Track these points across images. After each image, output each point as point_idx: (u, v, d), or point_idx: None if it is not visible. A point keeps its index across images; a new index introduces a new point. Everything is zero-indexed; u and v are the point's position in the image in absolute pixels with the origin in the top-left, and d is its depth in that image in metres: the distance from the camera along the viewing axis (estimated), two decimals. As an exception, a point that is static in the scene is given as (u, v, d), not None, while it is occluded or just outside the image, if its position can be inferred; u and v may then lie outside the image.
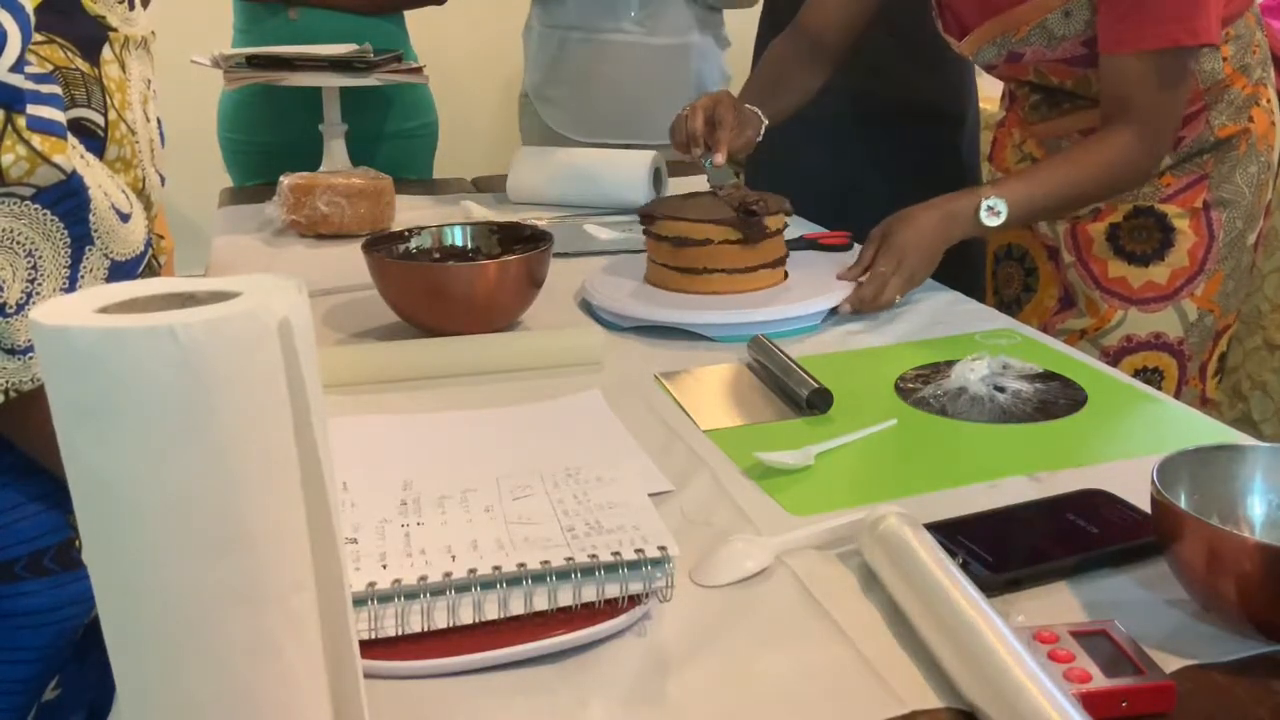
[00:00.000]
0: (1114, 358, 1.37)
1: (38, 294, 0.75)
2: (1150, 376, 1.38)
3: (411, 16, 2.14)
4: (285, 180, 1.58)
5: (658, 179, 1.74)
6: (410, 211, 1.69)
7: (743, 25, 2.31)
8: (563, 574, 0.65)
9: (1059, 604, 0.69)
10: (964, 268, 1.65)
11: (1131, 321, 1.37)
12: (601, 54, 1.95)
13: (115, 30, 0.91)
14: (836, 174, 1.81)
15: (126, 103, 0.91)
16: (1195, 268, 1.35)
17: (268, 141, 2.03)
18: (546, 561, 0.65)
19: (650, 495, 0.77)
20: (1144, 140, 1.24)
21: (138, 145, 0.93)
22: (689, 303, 1.20)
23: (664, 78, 1.99)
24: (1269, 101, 1.38)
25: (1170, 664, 0.62)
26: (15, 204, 0.73)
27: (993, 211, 1.23)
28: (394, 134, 2.08)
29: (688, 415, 0.98)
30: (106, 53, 0.89)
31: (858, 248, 1.49)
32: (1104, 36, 1.24)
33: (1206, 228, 1.34)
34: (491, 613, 0.65)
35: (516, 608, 0.65)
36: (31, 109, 0.72)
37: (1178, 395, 1.38)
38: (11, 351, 0.75)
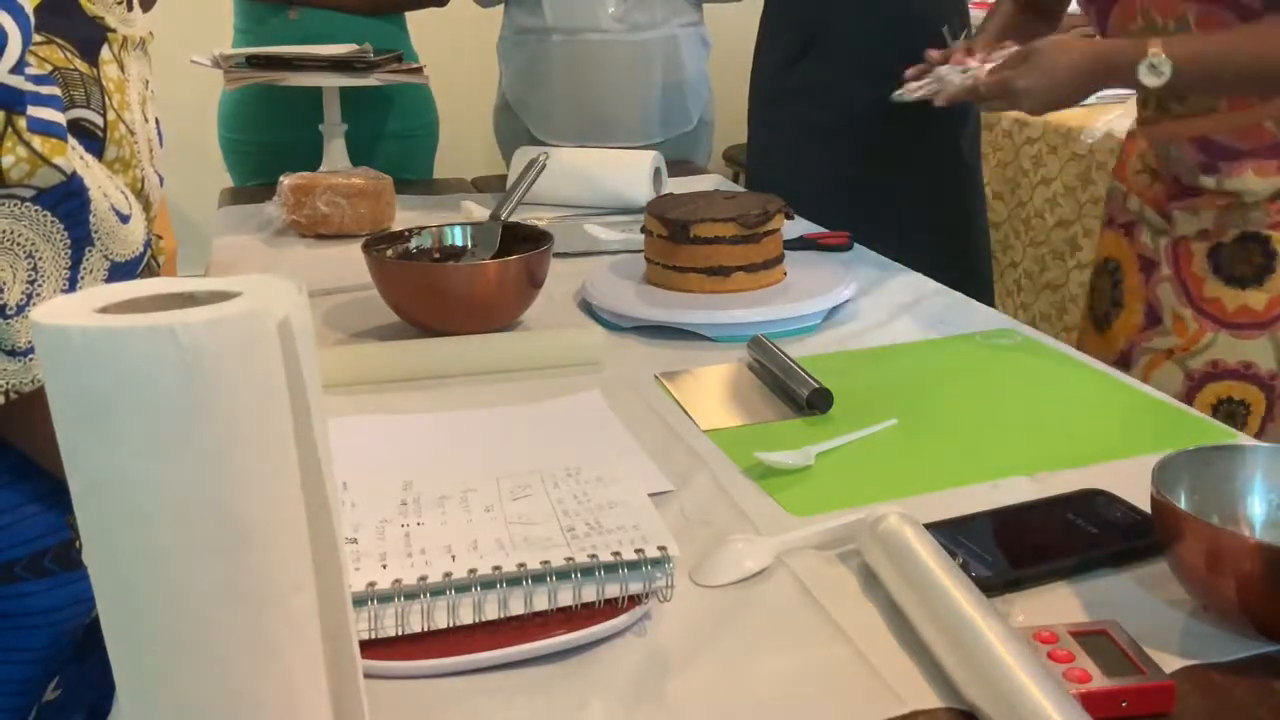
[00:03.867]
0: (1198, 382, 1.27)
1: (38, 295, 0.75)
2: (1235, 408, 1.27)
3: (412, 17, 2.14)
4: (285, 180, 1.58)
5: (658, 178, 1.74)
6: (410, 211, 1.69)
7: (726, 27, 2.32)
8: (563, 574, 0.65)
9: (1059, 604, 0.69)
10: (968, 280, 1.64)
11: (1221, 345, 1.26)
12: (581, 55, 1.95)
13: (114, 31, 0.91)
14: (837, 173, 1.81)
15: (125, 103, 0.91)
16: None
17: (268, 141, 2.03)
18: (546, 561, 0.65)
19: (650, 495, 0.77)
20: None
21: (136, 146, 0.93)
22: (689, 303, 1.20)
23: (646, 74, 1.99)
24: None
25: (1170, 664, 0.62)
26: (15, 205, 0.73)
27: (1155, 70, 1.10)
28: (394, 134, 2.07)
29: (688, 415, 0.98)
30: (105, 53, 0.89)
31: (858, 248, 1.49)
32: None
33: None
34: (491, 613, 0.65)
35: (516, 608, 0.65)
36: (32, 110, 0.72)
37: (1262, 431, 1.27)
38: (12, 353, 0.75)
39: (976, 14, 1.85)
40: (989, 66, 1.24)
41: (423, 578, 0.65)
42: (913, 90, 1.29)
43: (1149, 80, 1.11)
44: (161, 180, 1.00)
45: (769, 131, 1.92)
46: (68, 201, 0.76)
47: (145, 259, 0.88)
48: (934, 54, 1.39)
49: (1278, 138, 1.19)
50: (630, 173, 1.69)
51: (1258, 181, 1.20)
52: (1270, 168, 1.20)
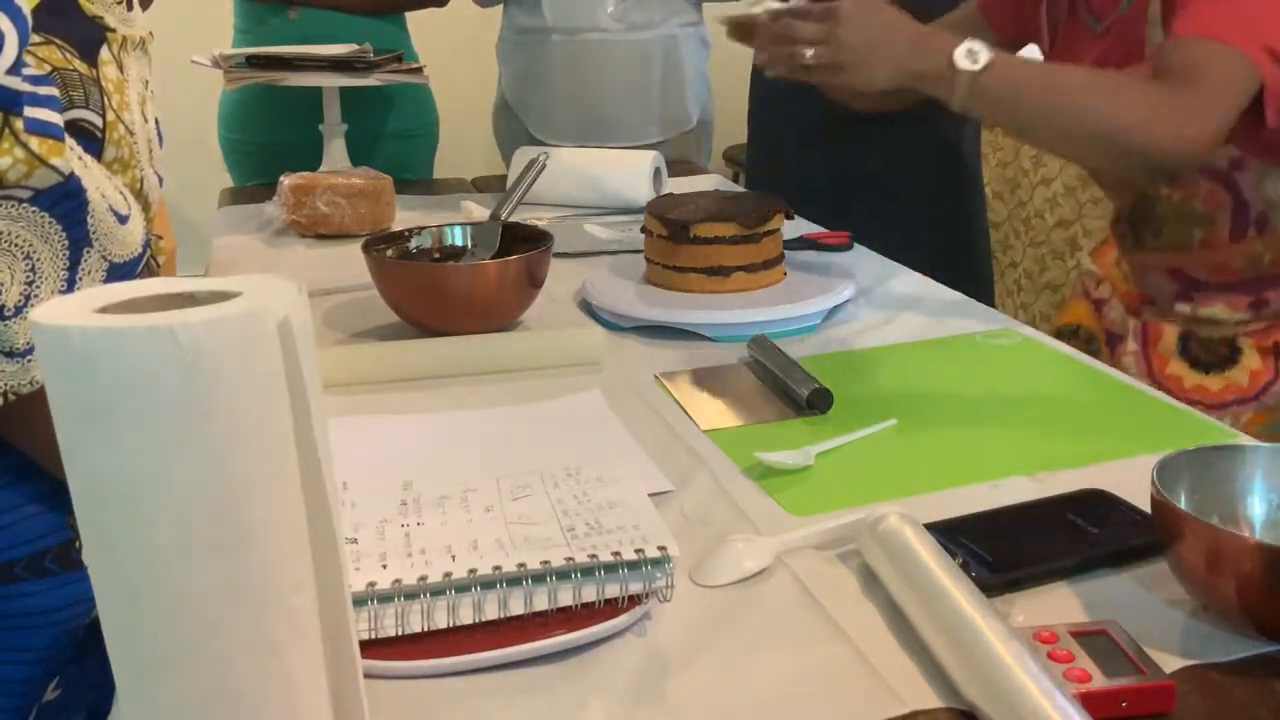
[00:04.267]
0: None
1: (36, 296, 0.75)
2: None
3: (412, 17, 2.14)
4: (285, 180, 1.58)
5: (658, 178, 1.74)
6: (410, 211, 1.69)
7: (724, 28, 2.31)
8: (563, 574, 0.65)
9: (1059, 604, 0.69)
10: (968, 280, 1.64)
11: None
12: (581, 55, 1.95)
13: (113, 31, 0.91)
14: (836, 172, 1.81)
15: (125, 103, 0.91)
16: (1252, 392, 1.24)
17: (268, 141, 2.03)
18: (546, 561, 0.65)
19: (650, 495, 0.77)
20: (1177, 103, 1.04)
21: (135, 146, 0.93)
22: (689, 302, 1.20)
23: (646, 74, 1.99)
24: None
25: (1170, 664, 0.62)
26: (13, 206, 0.73)
27: (972, 55, 1.06)
28: (394, 134, 2.07)
29: (688, 415, 0.98)
30: (104, 53, 0.89)
31: (858, 248, 1.49)
32: (1183, 20, 1.09)
33: (1274, 365, 1.23)
34: (491, 613, 0.65)
35: (516, 608, 0.65)
36: (29, 111, 0.72)
37: None
38: (10, 354, 0.75)
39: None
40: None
41: (423, 578, 0.65)
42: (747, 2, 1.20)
43: (963, 63, 1.06)
44: (161, 180, 1.00)
45: (769, 131, 1.92)
46: (65, 202, 0.76)
47: (144, 259, 0.88)
48: None
49: (1247, 274, 1.21)
50: (630, 173, 1.69)
51: (1228, 312, 1.23)
52: (1240, 303, 1.23)
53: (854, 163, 1.80)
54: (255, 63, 1.79)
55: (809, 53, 1.10)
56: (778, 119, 1.88)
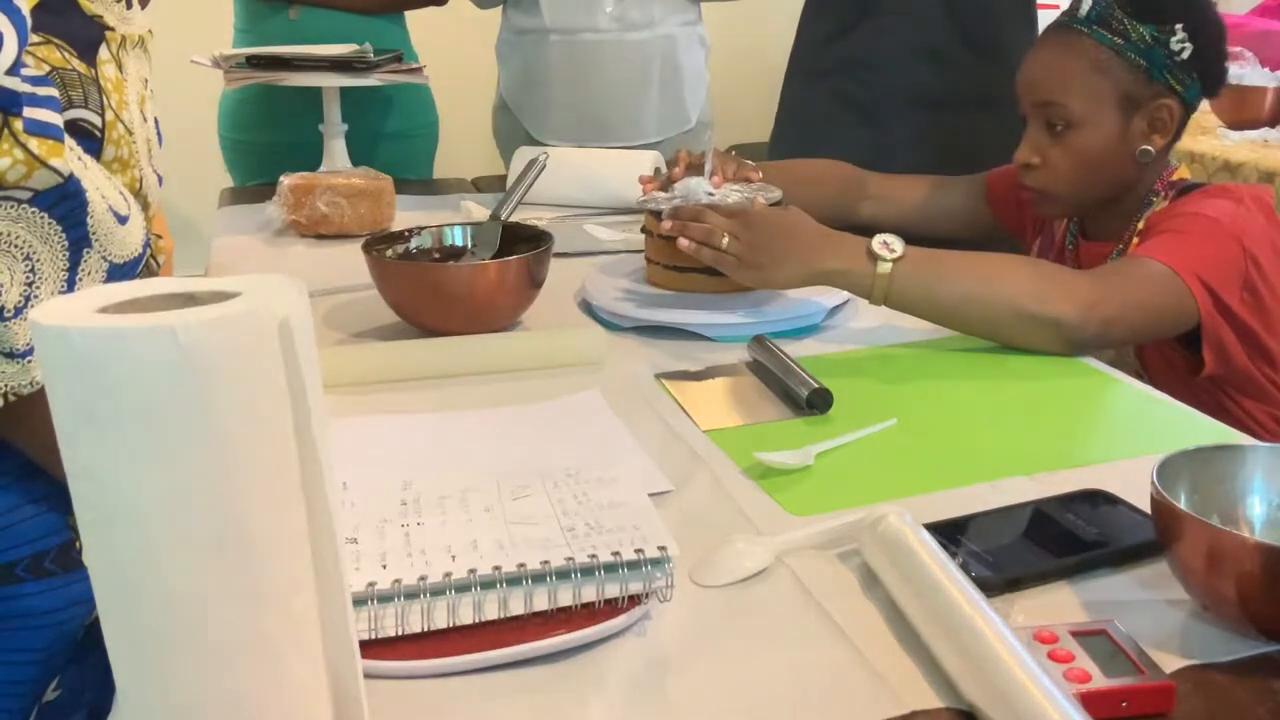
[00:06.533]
0: None
1: (36, 297, 0.75)
2: None
3: (412, 16, 2.14)
4: (285, 180, 1.58)
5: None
6: (410, 211, 1.69)
7: (725, 27, 2.31)
8: (563, 574, 0.65)
9: (1059, 604, 0.69)
10: None
11: None
12: (579, 55, 1.95)
13: (113, 30, 0.91)
14: (875, 153, 1.75)
15: (124, 103, 0.91)
16: None
17: (268, 141, 2.03)
18: (546, 561, 0.65)
19: (650, 495, 0.77)
20: (1095, 283, 1.09)
21: (135, 145, 0.93)
22: (689, 303, 1.20)
23: (644, 74, 1.98)
24: None
25: (1170, 664, 0.62)
26: (12, 207, 0.73)
27: (887, 245, 1.09)
28: (394, 134, 2.07)
29: (688, 415, 0.98)
30: (103, 53, 0.89)
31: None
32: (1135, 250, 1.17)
33: None
34: (491, 613, 0.65)
35: (516, 608, 0.65)
36: (28, 112, 0.72)
37: None
38: (10, 355, 0.75)
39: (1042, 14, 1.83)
40: (733, 198, 1.22)
41: (423, 578, 0.65)
42: (661, 200, 1.24)
43: (880, 250, 1.09)
44: (160, 180, 1.00)
45: (804, 106, 1.87)
46: (65, 203, 0.76)
47: (144, 259, 0.88)
48: (678, 170, 1.36)
49: None
50: (630, 173, 1.69)
51: None
52: None
53: (894, 143, 1.75)
54: (255, 63, 1.78)
55: (725, 239, 1.13)
56: (815, 93, 1.84)
